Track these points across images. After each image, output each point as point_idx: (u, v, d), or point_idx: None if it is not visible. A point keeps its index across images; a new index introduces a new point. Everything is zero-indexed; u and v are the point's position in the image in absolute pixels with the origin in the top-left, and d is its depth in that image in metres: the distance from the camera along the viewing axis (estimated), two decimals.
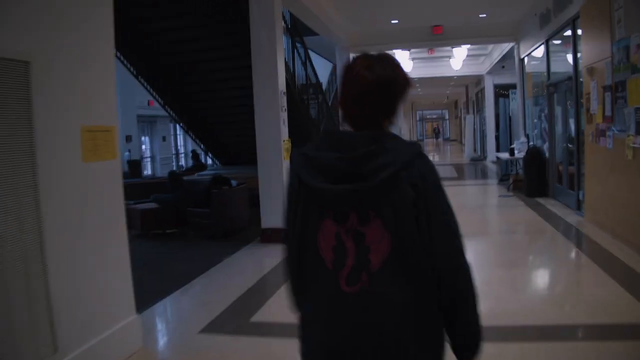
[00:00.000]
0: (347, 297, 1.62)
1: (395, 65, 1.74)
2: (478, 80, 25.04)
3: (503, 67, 20.69)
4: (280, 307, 5.53)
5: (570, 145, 10.48)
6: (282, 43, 8.54)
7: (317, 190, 1.64)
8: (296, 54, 11.98)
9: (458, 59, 18.91)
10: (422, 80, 26.99)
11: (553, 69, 11.57)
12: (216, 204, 9.00)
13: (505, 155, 15.05)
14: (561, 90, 10.79)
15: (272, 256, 7.54)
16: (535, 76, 13.69)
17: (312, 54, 14.05)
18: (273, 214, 8.28)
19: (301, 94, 11.84)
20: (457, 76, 23.30)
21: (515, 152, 13.83)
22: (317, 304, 1.71)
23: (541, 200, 11.32)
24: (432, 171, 1.67)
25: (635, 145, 6.67)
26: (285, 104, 8.37)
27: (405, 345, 1.61)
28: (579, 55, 9.30)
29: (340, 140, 1.68)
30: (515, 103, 17.47)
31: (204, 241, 8.97)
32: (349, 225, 1.63)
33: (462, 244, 1.68)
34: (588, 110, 8.50)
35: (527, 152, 12.34)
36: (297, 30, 12.32)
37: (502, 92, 23.50)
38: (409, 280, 1.62)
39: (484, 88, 23.32)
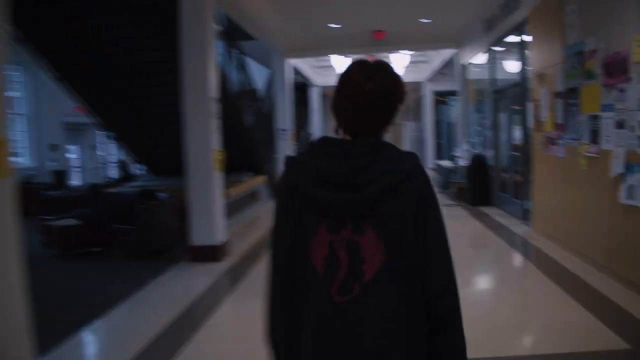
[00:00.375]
0: (339, 307, 1.58)
1: (394, 74, 1.70)
2: (417, 87, 24.91)
3: (444, 74, 20.60)
4: (211, 342, 4.90)
5: (516, 154, 10.20)
6: (213, 44, 7.87)
7: (316, 198, 1.60)
8: (231, 59, 11.36)
9: (400, 66, 18.60)
10: None
11: (498, 75, 11.30)
12: (142, 219, 8.18)
13: (446, 163, 14.80)
14: (507, 96, 10.52)
15: (202, 276, 6.91)
16: (478, 83, 13.44)
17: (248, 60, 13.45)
18: (203, 230, 7.61)
19: (237, 101, 11.18)
20: None
21: (457, 159, 13.56)
22: (307, 317, 1.62)
23: (486, 210, 11.03)
24: (431, 185, 1.66)
25: (589, 155, 6.33)
26: (217, 111, 7.72)
27: (396, 358, 1.57)
28: (526, 61, 9.01)
29: (339, 148, 1.64)
30: (456, 110, 17.23)
31: (130, 261, 8.11)
32: (344, 234, 1.59)
33: (453, 264, 1.67)
34: (537, 117, 8.17)
35: (470, 160, 12.03)
36: (233, 34, 11.74)
37: (441, 99, 23.43)
38: (401, 293, 1.58)
39: (423, 95, 23.16)
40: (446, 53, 16.18)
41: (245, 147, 11.63)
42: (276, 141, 14.88)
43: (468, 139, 13.99)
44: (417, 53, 18.63)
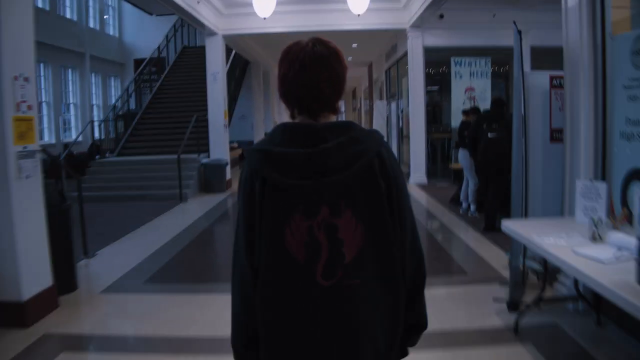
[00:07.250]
0: (324, 290, 1.56)
1: (333, 45, 1.66)
2: (393, 44, 15.25)
3: (441, 16, 11.55)
4: None
5: None
6: None
7: (290, 187, 1.55)
8: None
9: None
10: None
11: None
12: None
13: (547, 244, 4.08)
14: None
15: None
16: None
17: None
18: None
19: None
20: (359, 30, 12.67)
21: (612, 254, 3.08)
22: (288, 306, 1.58)
23: None
24: (397, 161, 1.68)
25: None
26: None
27: (376, 336, 1.60)
28: None
29: (304, 133, 1.59)
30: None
31: None
32: (320, 218, 1.56)
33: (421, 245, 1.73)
34: None
35: None
36: None
37: (431, 71, 13.72)
38: (382, 272, 1.60)
39: (404, 54, 13.47)
40: None
41: None
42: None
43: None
44: None
